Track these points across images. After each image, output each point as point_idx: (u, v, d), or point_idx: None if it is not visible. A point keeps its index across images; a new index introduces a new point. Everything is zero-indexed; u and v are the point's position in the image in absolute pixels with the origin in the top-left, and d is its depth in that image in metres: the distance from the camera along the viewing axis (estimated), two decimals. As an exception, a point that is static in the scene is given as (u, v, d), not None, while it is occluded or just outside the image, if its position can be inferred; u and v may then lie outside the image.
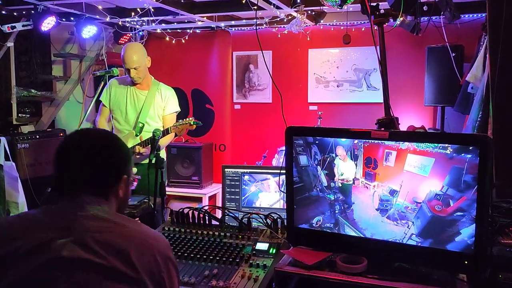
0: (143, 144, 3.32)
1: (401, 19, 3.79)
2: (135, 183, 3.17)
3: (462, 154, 1.41)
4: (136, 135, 3.37)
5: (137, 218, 3.10)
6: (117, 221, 1.25)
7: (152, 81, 3.53)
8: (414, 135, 1.58)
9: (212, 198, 5.56)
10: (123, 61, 3.36)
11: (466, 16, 4.51)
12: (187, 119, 3.22)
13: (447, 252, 1.47)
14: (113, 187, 1.32)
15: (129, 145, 3.38)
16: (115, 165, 1.34)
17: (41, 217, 1.24)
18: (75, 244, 1.15)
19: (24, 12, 4.52)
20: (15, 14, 4.54)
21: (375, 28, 2.15)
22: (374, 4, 2.16)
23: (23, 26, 4.36)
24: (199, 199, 5.31)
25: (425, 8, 3.34)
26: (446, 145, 1.44)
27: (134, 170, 3.39)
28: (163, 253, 1.24)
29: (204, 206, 2.10)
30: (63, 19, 4.64)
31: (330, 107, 5.35)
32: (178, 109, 3.55)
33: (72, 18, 4.69)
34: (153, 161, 2.72)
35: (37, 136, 4.83)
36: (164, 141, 3.35)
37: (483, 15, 4.43)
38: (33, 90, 5.11)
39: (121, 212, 1.37)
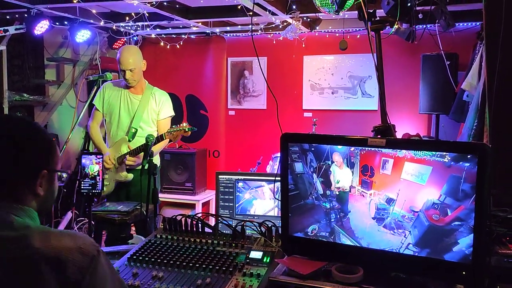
0: (133, 153, 3.28)
1: (396, 27, 3.80)
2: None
3: (460, 163, 1.39)
4: (129, 140, 3.33)
5: (132, 224, 3.06)
6: (23, 233, 1.08)
7: (146, 85, 3.50)
8: (411, 143, 1.55)
9: (206, 204, 5.53)
10: (119, 62, 3.33)
11: (461, 24, 4.53)
12: (182, 125, 3.19)
13: (444, 262, 1.44)
14: (29, 185, 1.16)
15: (123, 150, 3.34)
16: (29, 160, 1.15)
17: None
18: None
19: (17, 16, 4.48)
20: (7, 17, 4.51)
21: (372, 34, 2.14)
22: (371, 10, 2.15)
23: (15, 29, 4.32)
24: (192, 206, 5.28)
25: (420, 16, 3.35)
26: (444, 153, 1.42)
27: (130, 176, 3.36)
28: (83, 265, 1.07)
29: (197, 214, 2.07)
30: (57, 23, 4.61)
31: (324, 114, 5.34)
32: (172, 113, 3.53)
33: (65, 22, 4.66)
34: (146, 167, 2.69)
35: (29, 141, 4.77)
36: (157, 147, 3.32)
37: (478, 23, 4.45)
38: (25, 95, 5.06)
39: (43, 210, 1.23)
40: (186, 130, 3.16)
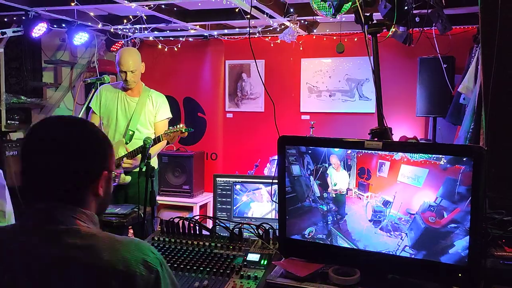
0: (130, 155, 3.28)
1: (394, 30, 3.81)
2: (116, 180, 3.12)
3: (456, 165, 1.40)
4: (126, 143, 3.33)
5: (130, 227, 3.05)
6: (91, 242, 1.06)
7: (143, 87, 3.51)
8: (408, 146, 1.57)
9: (203, 207, 5.53)
10: (120, 64, 3.33)
11: (458, 27, 4.55)
12: (178, 126, 3.20)
13: (440, 265, 1.45)
14: (91, 186, 1.14)
15: (120, 153, 3.34)
16: (92, 161, 1.14)
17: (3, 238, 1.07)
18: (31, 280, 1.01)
19: (15, 18, 4.48)
20: (5, 20, 4.51)
21: (369, 37, 2.15)
22: (368, 14, 2.17)
23: (13, 32, 4.32)
24: (190, 208, 5.27)
25: (417, 19, 3.36)
26: (440, 156, 1.43)
27: (128, 178, 3.36)
28: (150, 280, 1.06)
29: (194, 216, 2.07)
30: (55, 26, 4.61)
31: (322, 116, 5.35)
32: (169, 115, 3.53)
33: (63, 25, 4.66)
34: (144, 170, 2.69)
35: (26, 144, 4.77)
36: (155, 149, 3.32)
37: (474, 27, 4.47)
38: (23, 97, 5.05)
39: (101, 211, 1.22)
40: (183, 131, 3.17)
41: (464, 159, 1.38)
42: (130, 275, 1.03)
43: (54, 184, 1.10)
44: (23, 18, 4.24)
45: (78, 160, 1.12)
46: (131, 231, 3.40)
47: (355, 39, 5.00)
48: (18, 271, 1.03)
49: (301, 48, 5.30)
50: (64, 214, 1.09)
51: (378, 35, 2.23)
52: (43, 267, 1.03)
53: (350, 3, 2.18)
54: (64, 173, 1.10)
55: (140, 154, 3.13)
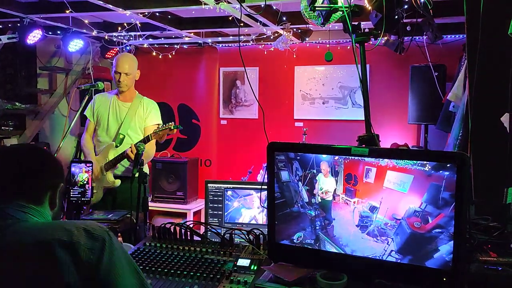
0: (119, 158, 3.30)
1: (386, 38, 3.86)
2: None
3: (440, 171, 1.43)
4: (116, 146, 3.36)
5: (119, 234, 3.06)
6: (39, 227, 1.21)
7: (136, 94, 3.55)
8: (393, 152, 1.59)
9: (197, 213, 5.53)
10: (116, 65, 3.38)
11: (448, 36, 4.61)
12: (167, 124, 3.22)
13: (425, 269, 1.48)
14: (50, 194, 1.32)
15: (110, 157, 3.35)
16: (50, 173, 1.33)
17: None
18: None
19: (10, 25, 4.51)
20: (0, 27, 4.53)
21: (357, 46, 2.19)
22: (356, 23, 2.21)
23: (8, 39, 4.34)
24: (183, 215, 5.28)
25: (408, 28, 3.41)
26: (425, 162, 1.46)
27: (118, 182, 3.38)
28: (94, 248, 1.17)
29: (186, 222, 2.09)
30: (50, 33, 4.63)
31: (315, 123, 5.39)
32: (159, 121, 3.55)
33: (58, 32, 4.69)
34: (136, 175, 2.71)
35: (20, 150, 4.77)
36: (149, 152, 3.34)
37: (464, 36, 4.53)
38: (17, 103, 5.07)
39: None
40: (172, 128, 3.19)
41: (448, 165, 1.42)
42: (73, 242, 1.15)
43: (12, 186, 1.25)
44: (18, 25, 4.26)
45: (40, 171, 1.30)
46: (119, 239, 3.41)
47: (348, 47, 5.05)
48: None
49: (294, 56, 5.35)
50: (15, 209, 1.23)
51: (370, 43, 2.28)
52: None
53: (339, 12, 2.22)
54: (23, 177, 1.27)
55: (126, 159, 3.16)
